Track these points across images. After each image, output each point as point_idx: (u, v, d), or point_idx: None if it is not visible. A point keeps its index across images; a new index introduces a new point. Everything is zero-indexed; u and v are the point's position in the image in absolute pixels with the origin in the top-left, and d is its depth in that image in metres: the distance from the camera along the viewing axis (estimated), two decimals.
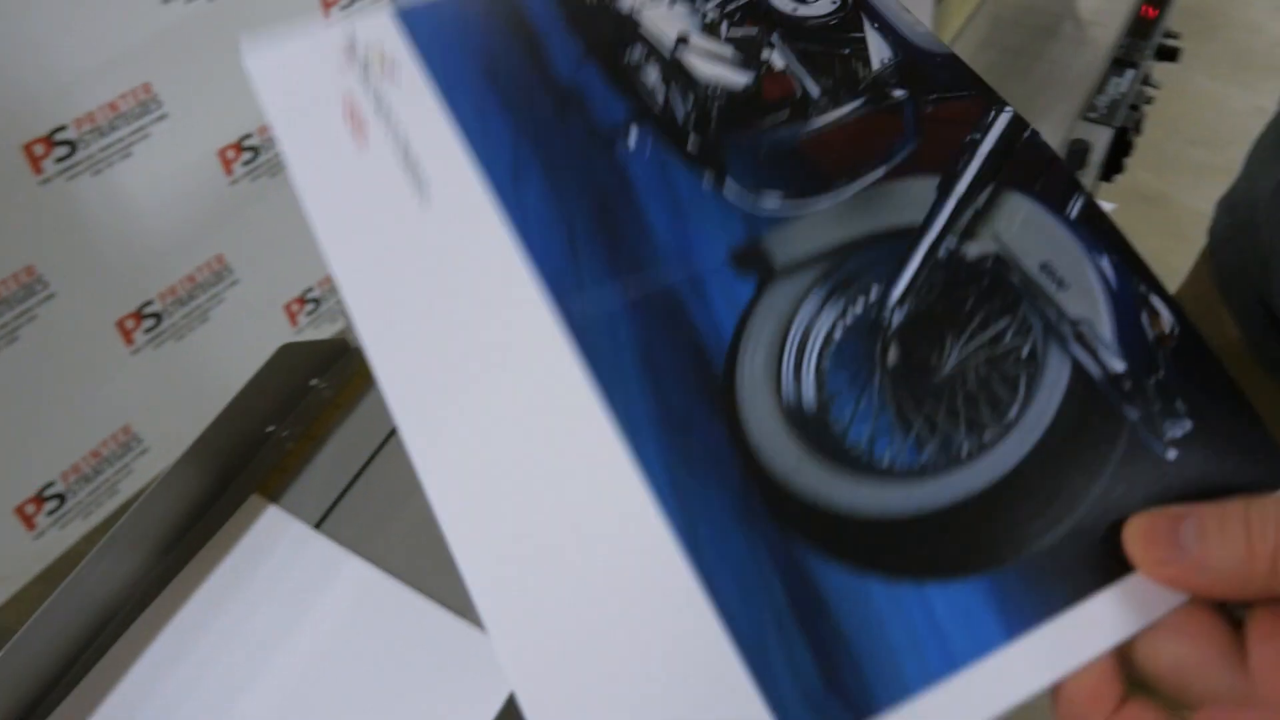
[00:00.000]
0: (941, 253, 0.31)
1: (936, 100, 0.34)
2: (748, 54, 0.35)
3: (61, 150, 1.05)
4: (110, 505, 1.33)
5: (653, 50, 0.34)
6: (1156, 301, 0.29)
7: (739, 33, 0.35)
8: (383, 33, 0.34)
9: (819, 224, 0.31)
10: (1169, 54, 0.87)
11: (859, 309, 0.30)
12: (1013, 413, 0.28)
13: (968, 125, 0.33)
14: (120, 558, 0.48)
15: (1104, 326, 0.29)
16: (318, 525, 0.53)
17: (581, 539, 0.26)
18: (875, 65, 0.35)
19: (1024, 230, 0.31)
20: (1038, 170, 0.32)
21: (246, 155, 1.28)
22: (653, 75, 0.34)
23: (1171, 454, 0.27)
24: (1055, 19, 0.80)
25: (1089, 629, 0.25)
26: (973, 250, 0.31)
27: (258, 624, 0.50)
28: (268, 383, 0.55)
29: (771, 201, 0.32)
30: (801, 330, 0.30)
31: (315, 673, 0.48)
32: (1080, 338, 0.29)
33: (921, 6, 0.61)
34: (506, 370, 0.28)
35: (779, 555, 0.25)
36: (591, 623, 0.25)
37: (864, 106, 0.34)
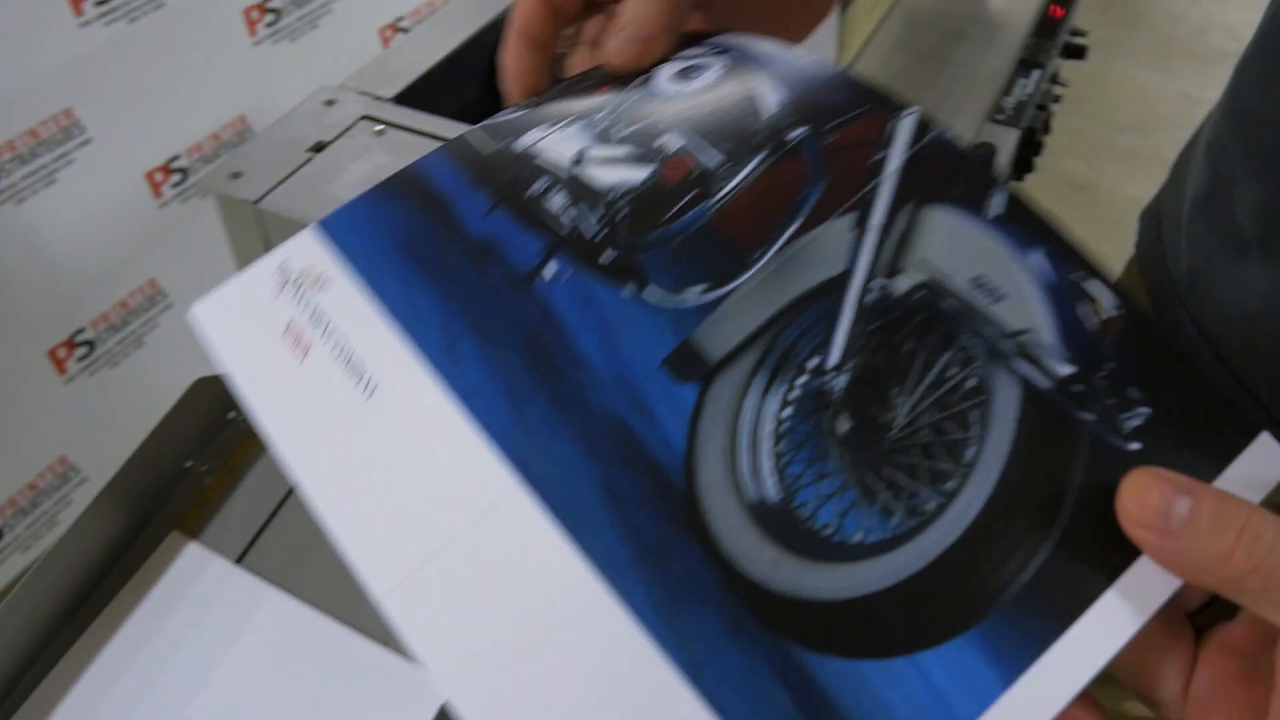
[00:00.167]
0: (870, 299, 0.30)
1: (836, 127, 0.33)
2: (643, 146, 0.34)
3: None
4: (50, 537, 1.31)
5: (554, 177, 0.34)
6: (1094, 287, 0.28)
7: (629, 130, 0.34)
8: (308, 250, 0.34)
9: (745, 303, 0.30)
10: (1077, 52, 0.89)
11: (801, 385, 0.29)
12: (969, 453, 0.27)
13: (871, 144, 0.32)
14: (38, 602, 0.48)
15: (1045, 331, 0.28)
16: (239, 560, 0.53)
17: (585, 690, 0.26)
18: (768, 112, 0.34)
19: (949, 247, 0.30)
20: (950, 174, 0.31)
21: (175, 177, 1.26)
22: (557, 201, 0.33)
23: (1134, 445, 0.26)
24: (964, 21, 0.82)
25: (1078, 658, 0.25)
26: (901, 285, 0.30)
27: (180, 663, 0.50)
28: (184, 417, 0.55)
29: (695, 296, 0.31)
30: (750, 425, 0.29)
31: (240, 709, 0.48)
32: (1023, 350, 0.28)
33: (825, 29, 0.62)
34: (478, 538, 0.28)
35: (775, 661, 0.25)
36: None
37: (765, 160, 0.33)
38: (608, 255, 0.32)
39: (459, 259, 0.33)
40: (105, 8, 1.10)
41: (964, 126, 0.72)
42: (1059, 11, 0.84)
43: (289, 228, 0.57)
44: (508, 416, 0.30)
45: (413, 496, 0.29)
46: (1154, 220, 0.59)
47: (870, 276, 0.30)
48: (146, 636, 0.51)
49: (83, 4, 1.07)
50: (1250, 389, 0.49)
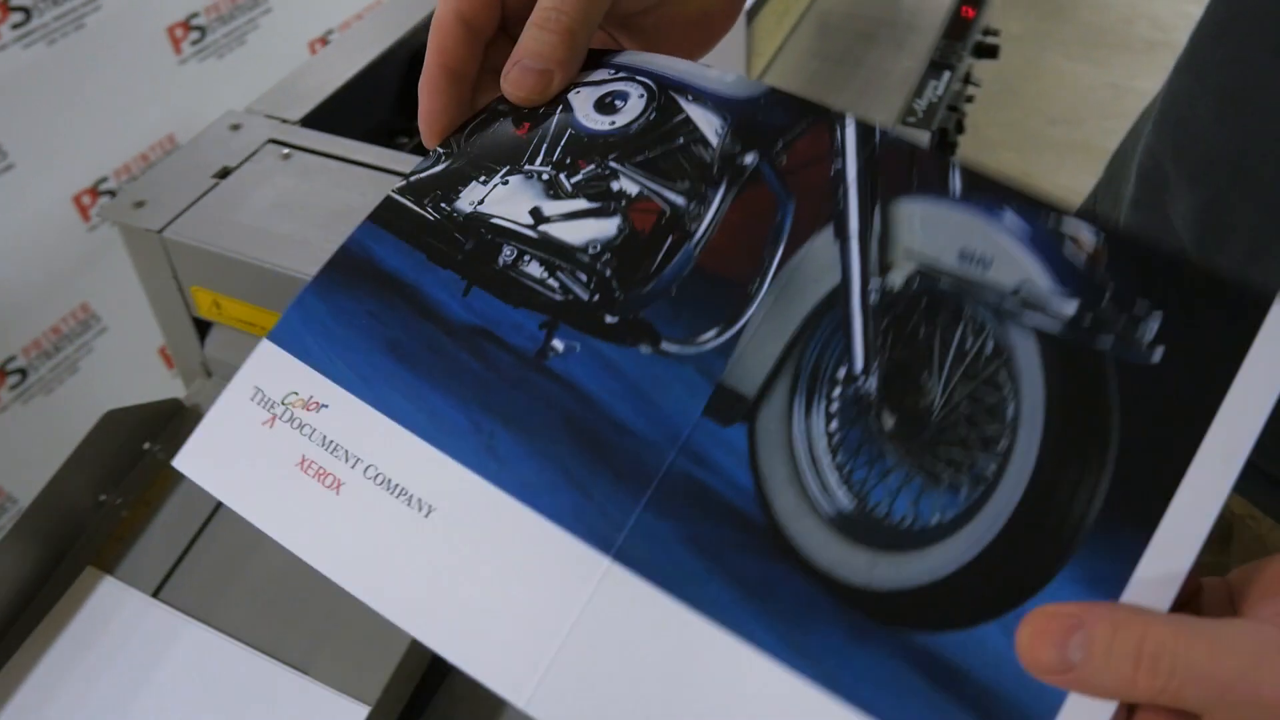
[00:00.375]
0: (873, 299, 0.31)
1: (784, 147, 0.34)
2: (600, 195, 0.34)
3: None
4: None
5: (520, 242, 0.33)
6: (1070, 225, 0.30)
7: (578, 178, 0.34)
8: (276, 371, 0.32)
9: (761, 335, 0.31)
10: (989, 51, 0.91)
11: (837, 397, 0.30)
12: (1009, 411, 0.29)
13: (824, 157, 0.33)
14: None
15: (1040, 279, 0.29)
16: (156, 593, 0.53)
17: None
18: (714, 140, 0.34)
19: (928, 232, 0.31)
20: (907, 167, 0.32)
21: (104, 200, 1.24)
22: (535, 268, 0.33)
23: (1156, 355, 0.28)
24: (876, 24, 0.83)
25: (1169, 556, 0.26)
26: (897, 279, 0.31)
27: (98, 699, 0.50)
28: (94, 451, 0.55)
29: (711, 340, 0.31)
30: (805, 446, 0.30)
31: None
32: (1026, 303, 0.29)
33: (733, 36, 0.62)
34: (594, 622, 0.28)
35: (900, 652, 0.27)
36: None
37: (728, 191, 0.33)
38: (611, 318, 0.32)
39: (455, 351, 0.32)
40: (21, 30, 1.08)
41: None
42: (970, 12, 0.85)
43: (195, 256, 0.56)
44: (576, 503, 0.30)
45: (514, 599, 0.29)
46: (1089, 220, 0.60)
47: (865, 279, 0.31)
48: (63, 674, 0.51)
49: None
50: None
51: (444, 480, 0.30)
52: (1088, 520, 0.27)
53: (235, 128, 0.62)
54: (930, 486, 0.29)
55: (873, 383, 0.30)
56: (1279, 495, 0.46)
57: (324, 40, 1.42)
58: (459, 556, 0.29)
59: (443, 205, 0.34)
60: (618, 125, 0.35)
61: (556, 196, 0.34)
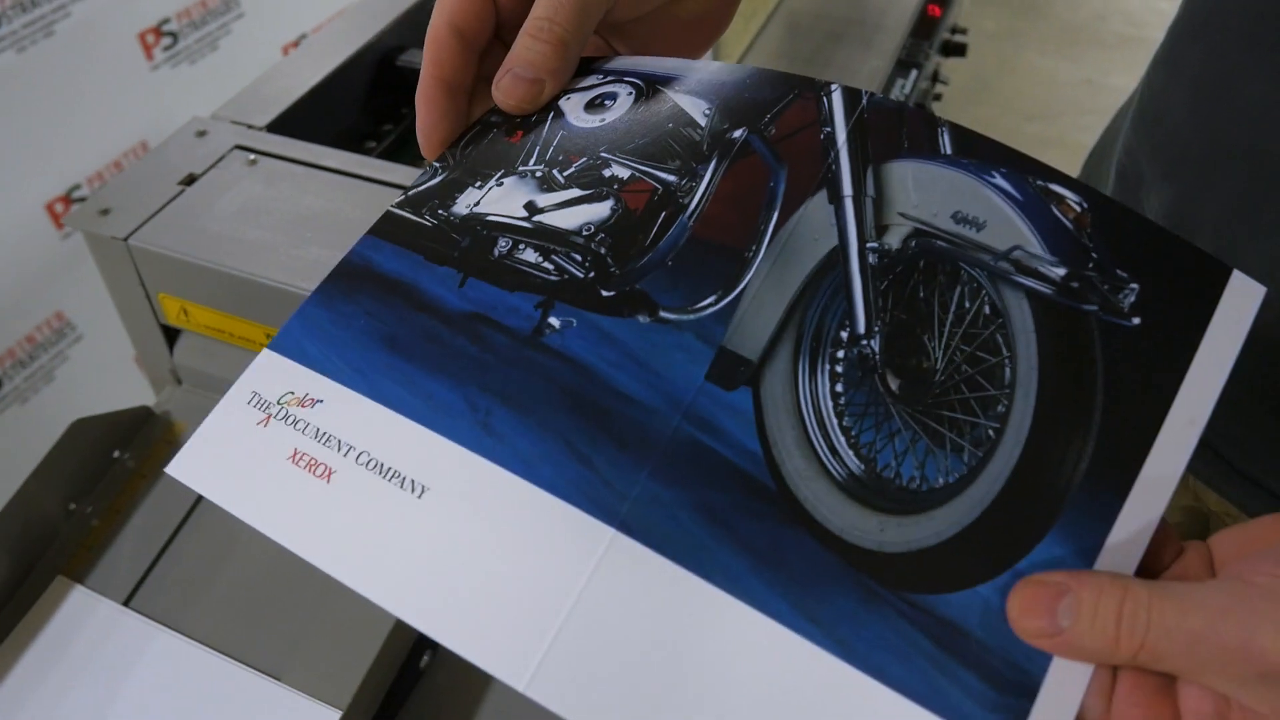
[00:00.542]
0: (872, 260, 0.31)
1: (771, 119, 0.34)
2: (594, 182, 0.34)
3: None
4: None
5: (514, 233, 0.34)
6: (1058, 189, 0.30)
7: (572, 170, 0.34)
8: (275, 375, 0.32)
9: (761, 298, 0.31)
10: (956, 49, 0.91)
11: (842, 358, 0.30)
12: (1006, 374, 0.29)
13: (813, 124, 0.33)
14: None
15: (1031, 242, 0.30)
16: (127, 601, 0.53)
17: (754, 698, 0.27)
18: (702, 121, 0.34)
19: (921, 193, 0.31)
20: (896, 128, 0.32)
21: (76, 208, 1.23)
22: (530, 254, 0.33)
23: (1136, 320, 0.29)
24: (843, 24, 0.84)
25: (1137, 519, 0.27)
26: (893, 240, 0.31)
27: (70, 708, 0.50)
28: (63, 460, 0.54)
29: (710, 305, 0.31)
30: (811, 409, 0.30)
31: None
32: (1019, 266, 0.30)
33: None
34: (598, 595, 0.28)
35: (909, 615, 0.27)
36: None
37: (719, 164, 0.33)
38: (607, 292, 0.32)
39: (451, 337, 0.32)
40: None
41: None
42: (936, 11, 0.86)
43: (162, 263, 0.56)
44: (578, 473, 0.29)
45: (513, 576, 0.28)
46: (1073, 186, 0.60)
47: (863, 240, 0.31)
48: (34, 684, 0.51)
49: None
50: None
51: (437, 460, 0.30)
52: (1075, 480, 0.28)
53: (201, 134, 0.62)
54: (935, 448, 0.29)
55: (876, 344, 0.30)
56: (1256, 492, 0.46)
57: (297, 45, 1.41)
58: (453, 536, 0.29)
59: (440, 211, 0.34)
60: (608, 121, 0.35)
61: (550, 189, 0.34)
